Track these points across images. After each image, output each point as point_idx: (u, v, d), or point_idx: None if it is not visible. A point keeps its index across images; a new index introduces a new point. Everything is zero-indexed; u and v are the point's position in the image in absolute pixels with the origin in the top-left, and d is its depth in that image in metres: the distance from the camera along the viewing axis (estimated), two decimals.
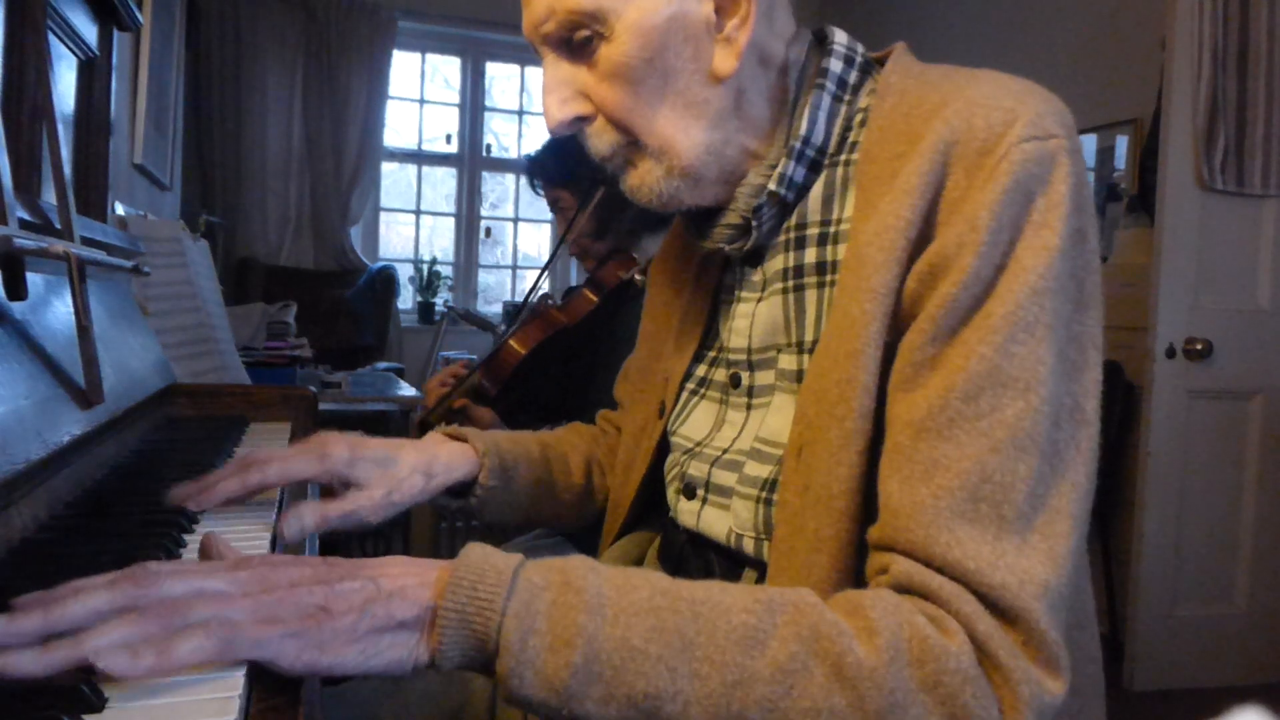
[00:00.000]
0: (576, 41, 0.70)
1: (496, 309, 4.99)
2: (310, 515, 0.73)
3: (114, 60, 1.24)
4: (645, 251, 1.74)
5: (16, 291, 0.70)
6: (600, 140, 0.73)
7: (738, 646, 0.52)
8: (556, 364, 1.83)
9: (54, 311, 0.82)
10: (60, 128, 0.88)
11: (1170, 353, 2.59)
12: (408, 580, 0.53)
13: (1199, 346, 2.59)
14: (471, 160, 5.15)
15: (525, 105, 5.29)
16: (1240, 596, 2.71)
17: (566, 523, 1.00)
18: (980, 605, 0.54)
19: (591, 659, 0.51)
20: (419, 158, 5.13)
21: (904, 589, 0.57)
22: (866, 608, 0.55)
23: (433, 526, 2.73)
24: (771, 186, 0.72)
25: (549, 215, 5.29)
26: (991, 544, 0.55)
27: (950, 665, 0.52)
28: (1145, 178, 2.88)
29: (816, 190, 0.72)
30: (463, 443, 0.89)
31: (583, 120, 0.73)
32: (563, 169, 1.74)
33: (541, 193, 1.83)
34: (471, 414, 1.70)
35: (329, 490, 0.81)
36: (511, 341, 1.76)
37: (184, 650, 0.45)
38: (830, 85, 0.73)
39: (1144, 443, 2.61)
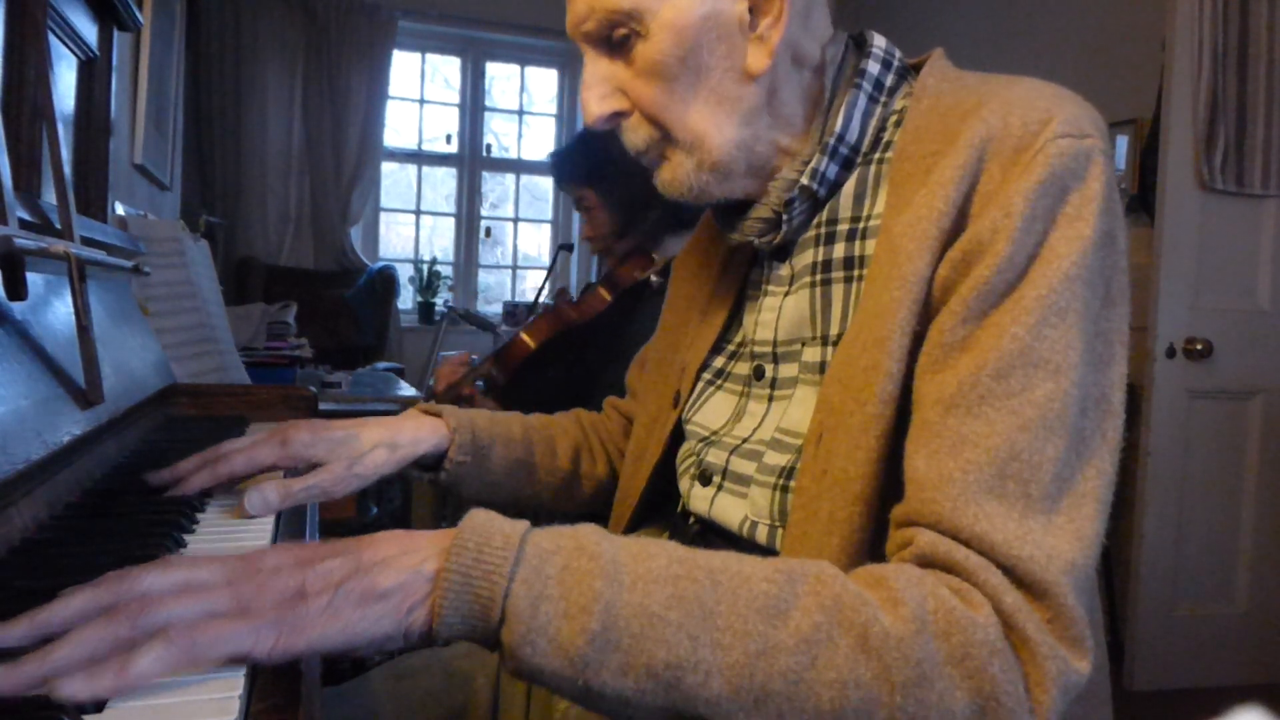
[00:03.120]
0: (615, 39, 0.72)
1: (496, 309, 4.99)
2: (273, 491, 0.75)
3: (114, 60, 1.24)
4: (666, 252, 1.74)
5: (16, 291, 0.70)
6: (636, 135, 0.75)
7: (760, 616, 0.51)
8: (566, 359, 1.85)
9: (54, 311, 0.82)
10: (60, 128, 0.88)
11: (1170, 353, 2.59)
12: (391, 551, 0.52)
13: (1199, 346, 2.59)
14: (471, 160, 5.15)
15: (525, 105, 5.30)
16: (1240, 596, 2.71)
17: (549, 505, 1.02)
18: (1006, 578, 0.54)
19: (610, 626, 0.50)
20: (419, 158, 5.13)
21: (928, 562, 0.56)
22: (889, 579, 0.54)
23: (433, 513, 2.75)
24: (804, 181, 0.74)
25: (549, 215, 5.33)
26: (1018, 520, 0.55)
27: (977, 637, 0.51)
28: (1145, 178, 2.88)
29: (848, 187, 0.74)
30: (435, 418, 0.91)
31: (620, 115, 0.75)
32: (587, 167, 1.74)
33: (566, 192, 1.84)
34: (477, 404, 1.72)
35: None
36: (523, 334, 1.80)
37: (144, 664, 0.43)
38: (867, 86, 0.74)
39: (1144, 443, 2.61)
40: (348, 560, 0.51)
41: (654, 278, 1.68)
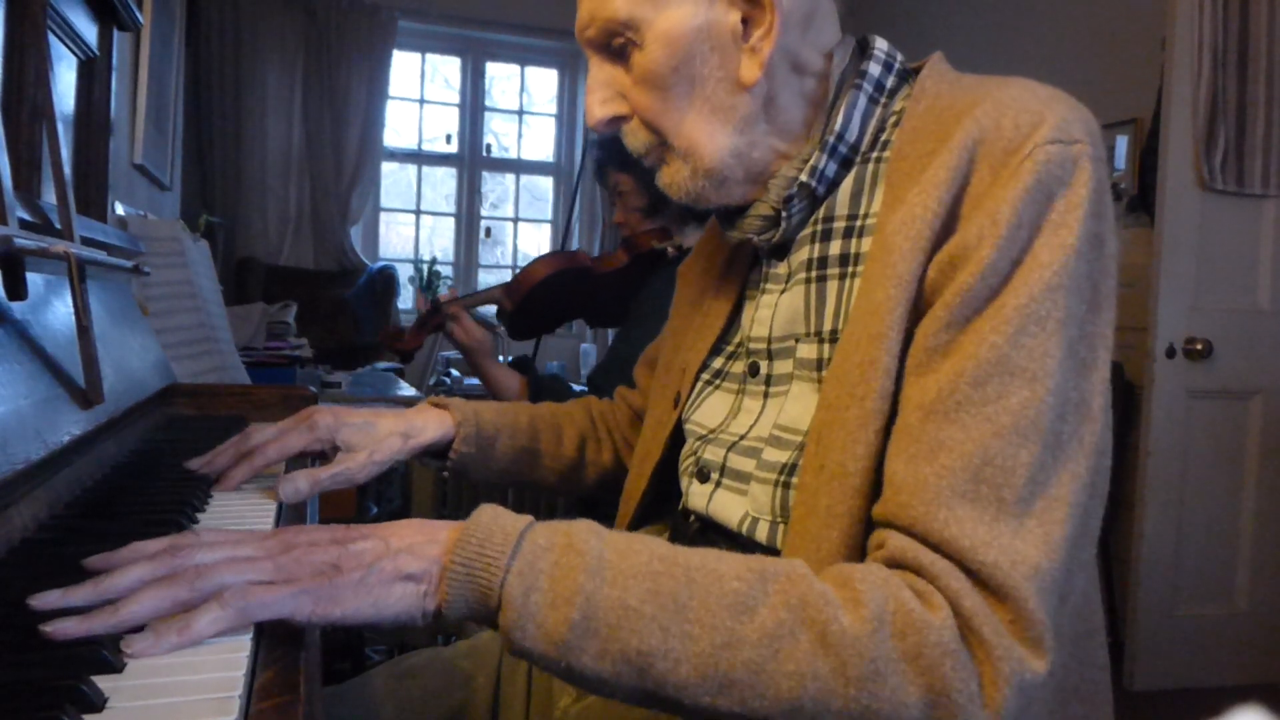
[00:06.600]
0: (614, 47, 0.75)
1: (493, 309, 4.99)
2: (304, 480, 0.81)
3: (114, 60, 1.24)
4: (687, 238, 1.83)
5: (16, 291, 0.70)
6: (635, 139, 0.78)
7: (728, 611, 0.55)
8: (573, 301, 1.93)
9: (54, 311, 0.82)
10: (60, 128, 0.88)
11: (1170, 353, 2.59)
12: (416, 539, 0.57)
13: (1199, 346, 2.59)
14: (471, 160, 5.15)
15: (525, 105, 5.30)
16: (1240, 596, 2.71)
17: (555, 489, 1.08)
18: (969, 582, 0.56)
19: (589, 616, 0.54)
20: (419, 158, 5.13)
21: (896, 564, 0.59)
22: (855, 580, 0.57)
23: (434, 482, 2.79)
24: (802, 178, 0.74)
25: (548, 215, 5.33)
26: (988, 525, 0.57)
27: (931, 638, 0.54)
28: (1145, 178, 2.88)
29: (846, 185, 0.75)
30: (443, 411, 0.97)
31: (620, 120, 0.78)
32: (624, 152, 1.85)
33: (604, 179, 1.93)
34: (462, 322, 1.82)
35: (320, 459, 0.92)
36: (535, 263, 1.88)
37: (203, 624, 0.49)
38: (867, 87, 0.75)
39: (1144, 443, 2.61)
40: (378, 543, 0.56)
41: (670, 249, 1.75)
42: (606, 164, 1.89)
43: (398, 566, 0.55)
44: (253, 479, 0.87)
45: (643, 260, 1.83)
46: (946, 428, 0.59)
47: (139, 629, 0.49)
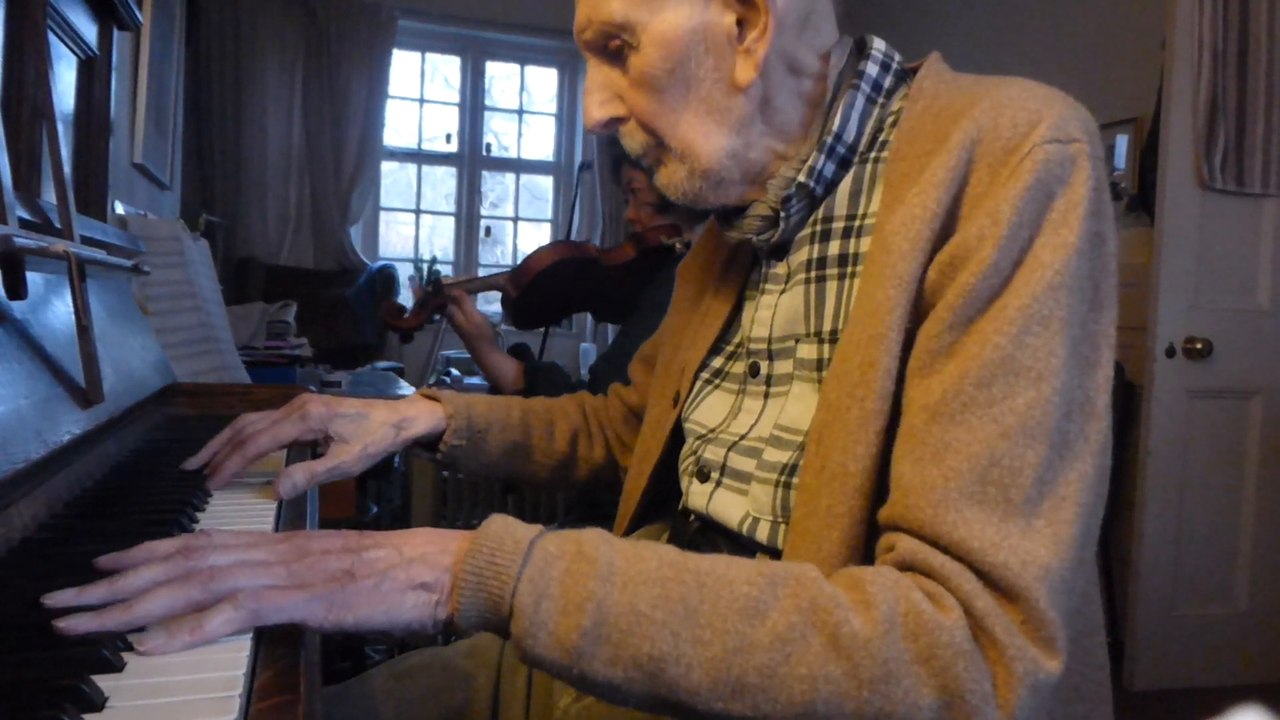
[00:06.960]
0: (611, 49, 0.75)
1: (496, 309, 4.99)
2: (300, 474, 0.82)
3: (114, 60, 1.24)
4: (698, 235, 1.82)
5: (16, 291, 0.70)
6: (633, 140, 0.78)
7: (739, 616, 0.55)
8: (578, 292, 1.91)
9: (54, 311, 0.82)
10: (60, 128, 0.88)
11: (1170, 352, 2.59)
12: (429, 549, 0.57)
13: (1199, 346, 2.59)
14: (471, 160, 5.15)
15: (525, 105, 5.30)
16: (1240, 596, 2.71)
17: (546, 484, 1.09)
18: (980, 583, 0.56)
19: (600, 622, 0.54)
20: (419, 157, 5.13)
21: (907, 566, 0.59)
22: (866, 582, 0.57)
23: (434, 482, 2.79)
24: (801, 179, 0.75)
25: (548, 215, 5.33)
26: (997, 526, 0.57)
27: (943, 639, 0.53)
28: (1145, 177, 2.88)
29: (844, 185, 0.75)
30: (435, 403, 0.98)
31: (617, 121, 0.78)
32: None
33: (619, 174, 1.92)
34: (463, 305, 1.83)
35: (312, 448, 0.93)
36: (540, 250, 1.87)
37: (215, 623, 0.49)
38: (865, 87, 0.75)
39: (1144, 442, 2.61)
40: (390, 552, 0.57)
41: (679, 245, 1.75)
42: (622, 159, 1.90)
43: (410, 575, 0.55)
44: (252, 475, 0.87)
45: (650, 255, 1.83)
46: (952, 429, 0.59)
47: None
